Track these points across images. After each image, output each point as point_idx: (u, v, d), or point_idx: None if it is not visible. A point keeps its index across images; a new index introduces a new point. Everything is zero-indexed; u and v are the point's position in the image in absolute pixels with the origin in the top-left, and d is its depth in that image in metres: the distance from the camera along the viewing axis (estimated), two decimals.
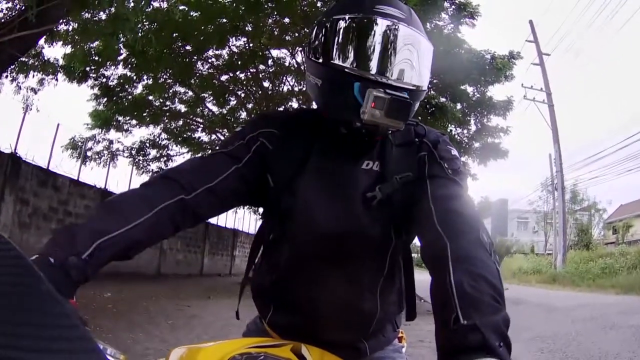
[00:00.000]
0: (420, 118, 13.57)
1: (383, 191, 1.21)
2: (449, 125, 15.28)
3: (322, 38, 1.20)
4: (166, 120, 19.31)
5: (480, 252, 1.00)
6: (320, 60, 1.20)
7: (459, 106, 14.85)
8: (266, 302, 1.39)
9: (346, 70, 1.15)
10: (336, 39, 1.17)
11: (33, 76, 13.18)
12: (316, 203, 1.25)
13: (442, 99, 14.32)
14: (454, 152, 1.29)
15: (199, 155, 1.17)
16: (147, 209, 1.08)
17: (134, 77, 16.28)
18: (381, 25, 1.15)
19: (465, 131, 16.66)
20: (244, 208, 22.78)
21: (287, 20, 14.30)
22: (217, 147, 1.32)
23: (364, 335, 1.34)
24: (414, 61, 1.19)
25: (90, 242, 0.97)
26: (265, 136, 1.28)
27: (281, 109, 17.23)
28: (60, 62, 13.36)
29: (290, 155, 1.27)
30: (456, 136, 16.12)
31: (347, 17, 1.17)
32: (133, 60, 14.77)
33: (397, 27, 1.15)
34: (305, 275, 1.28)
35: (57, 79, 13.55)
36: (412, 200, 1.20)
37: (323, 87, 1.21)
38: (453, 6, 13.16)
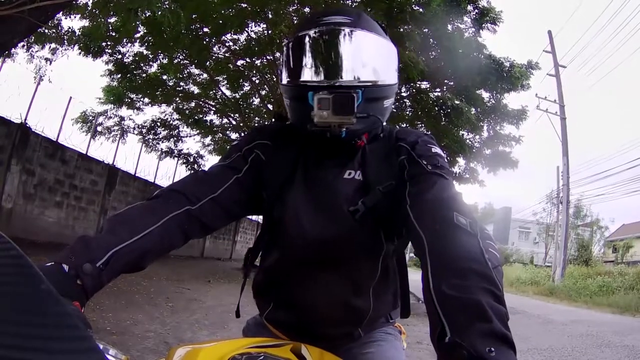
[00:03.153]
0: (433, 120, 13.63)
1: (367, 204, 1.24)
2: (462, 129, 15.26)
3: (281, 61, 1.35)
4: (178, 101, 19.37)
5: (457, 235, 0.98)
6: (284, 82, 1.31)
7: (473, 110, 14.78)
8: (266, 300, 1.45)
9: (300, 83, 1.25)
10: (289, 59, 1.28)
11: (49, 47, 13.26)
12: (303, 212, 1.29)
13: (457, 102, 14.27)
14: (435, 149, 1.29)
15: (201, 169, 1.26)
16: (156, 220, 1.12)
17: (150, 56, 16.31)
18: (322, 34, 1.23)
19: (477, 137, 16.65)
20: None
21: (307, 9, 14.25)
22: (217, 162, 1.39)
23: (358, 327, 1.38)
24: (364, 60, 1.24)
25: (105, 251, 1.00)
26: (259, 148, 1.37)
27: None
28: (78, 34, 13.43)
29: (280, 166, 1.34)
30: (468, 141, 16.11)
31: (294, 37, 1.27)
32: (150, 38, 14.77)
33: (338, 31, 1.22)
34: (298, 277, 1.34)
35: (73, 48, 13.63)
36: (397, 206, 1.21)
37: (291, 105, 1.31)
38: (476, 10, 13.08)
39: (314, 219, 1.27)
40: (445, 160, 1.29)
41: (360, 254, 1.30)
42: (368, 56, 1.24)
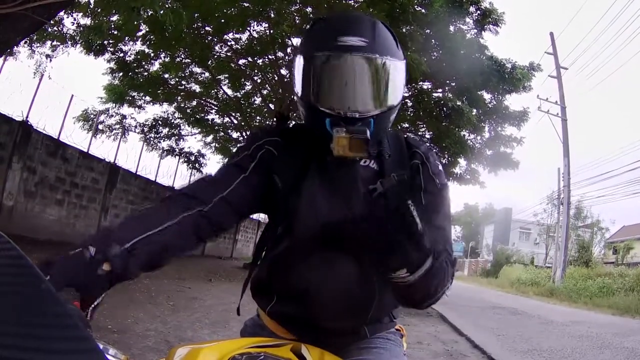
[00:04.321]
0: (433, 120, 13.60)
1: (384, 185, 1.33)
2: (463, 130, 15.24)
3: (296, 74, 1.34)
4: (180, 100, 19.38)
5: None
6: (299, 96, 1.34)
7: (474, 111, 14.77)
8: (268, 295, 1.45)
9: (318, 107, 1.28)
10: (305, 78, 1.31)
11: (50, 44, 13.27)
12: (319, 196, 1.35)
13: (459, 103, 14.26)
14: (440, 166, 1.44)
15: (208, 174, 1.35)
16: (171, 218, 1.17)
17: (152, 54, 16.29)
18: (341, 62, 1.25)
19: (478, 138, 16.63)
20: None
21: (309, 9, 14.25)
22: (226, 161, 1.46)
23: (363, 322, 1.41)
24: (378, 88, 1.29)
25: (131, 236, 1.06)
26: (270, 144, 1.40)
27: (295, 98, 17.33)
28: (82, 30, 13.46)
29: (294, 159, 1.39)
30: (469, 142, 16.09)
31: (311, 56, 1.29)
32: (152, 37, 14.75)
33: (357, 60, 1.25)
34: (304, 265, 1.35)
35: (76, 46, 13.65)
36: (404, 199, 1.26)
37: (305, 116, 1.37)
38: (478, 12, 13.07)
39: (328, 202, 1.33)
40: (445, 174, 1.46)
41: (370, 238, 1.31)
42: (383, 85, 1.29)
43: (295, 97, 1.40)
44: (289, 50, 16.37)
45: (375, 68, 1.27)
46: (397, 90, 1.33)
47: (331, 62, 1.26)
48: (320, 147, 1.33)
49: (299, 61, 1.32)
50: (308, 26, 1.45)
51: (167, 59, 16.57)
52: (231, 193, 1.28)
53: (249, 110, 19.69)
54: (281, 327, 1.44)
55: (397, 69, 1.31)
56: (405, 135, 1.49)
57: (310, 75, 1.30)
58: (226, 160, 1.48)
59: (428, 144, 1.56)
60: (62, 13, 11.32)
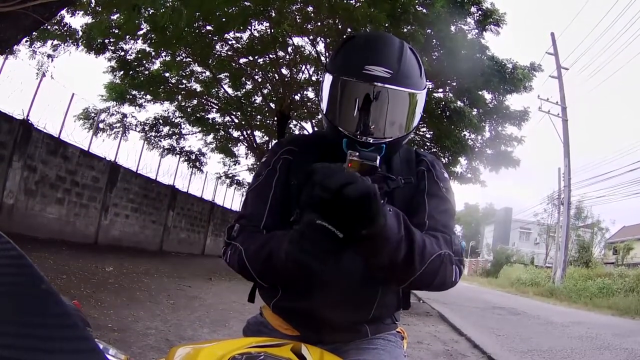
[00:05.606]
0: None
1: (390, 185, 1.41)
2: (464, 130, 15.23)
3: (322, 91, 1.45)
4: (181, 99, 19.32)
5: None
6: (323, 109, 1.45)
7: (475, 111, 14.77)
8: (273, 288, 1.48)
9: (337, 127, 1.39)
10: (329, 97, 1.41)
11: (52, 44, 13.27)
12: None
13: (460, 103, 14.26)
14: (446, 174, 1.55)
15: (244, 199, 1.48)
16: None
17: (152, 53, 16.21)
18: (365, 90, 1.33)
19: (479, 137, 16.62)
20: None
21: (310, 8, 14.24)
22: (251, 182, 1.58)
23: (365, 319, 1.46)
24: (396, 118, 1.39)
25: None
26: (285, 153, 1.53)
27: (297, 97, 17.24)
28: (80, 32, 13.46)
29: (308, 161, 1.39)
30: (470, 141, 16.09)
31: (337, 78, 1.38)
32: (152, 35, 14.73)
33: (379, 91, 1.33)
34: None
35: (78, 46, 13.64)
36: (411, 204, 1.43)
37: (326, 129, 1.48)
38: (479, 12, 13.06)
39: None
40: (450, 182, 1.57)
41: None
42: (400, 115, 1.38)
43: (319, 109, 1.52)
44: (289, 49, 16.37)
45: (395, 100, 1.35)
46: (413, 118, 1.42)
47: (354, 89, 1.34)
48: (333, 152, 1.39)
49: (327, 79, 1.41)
50: (340, 42, 1.53)
51: (167, 58, 16.52)
52: (269, 217, 1.42)
53: (249, 109, 19.66)
54: (284, 323, 1.48)
55: (416, 99, 1.39)
56: (415, 148, 1.62)
57: (334, 96, 1.39)
58: (250, 174, 1.53)
59: (435, 156, 1.69)
60: (63, 12, 11.31)
